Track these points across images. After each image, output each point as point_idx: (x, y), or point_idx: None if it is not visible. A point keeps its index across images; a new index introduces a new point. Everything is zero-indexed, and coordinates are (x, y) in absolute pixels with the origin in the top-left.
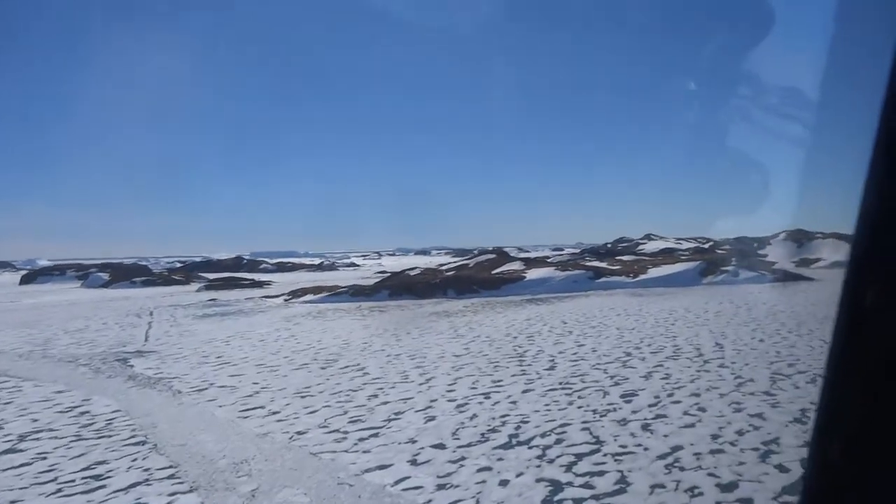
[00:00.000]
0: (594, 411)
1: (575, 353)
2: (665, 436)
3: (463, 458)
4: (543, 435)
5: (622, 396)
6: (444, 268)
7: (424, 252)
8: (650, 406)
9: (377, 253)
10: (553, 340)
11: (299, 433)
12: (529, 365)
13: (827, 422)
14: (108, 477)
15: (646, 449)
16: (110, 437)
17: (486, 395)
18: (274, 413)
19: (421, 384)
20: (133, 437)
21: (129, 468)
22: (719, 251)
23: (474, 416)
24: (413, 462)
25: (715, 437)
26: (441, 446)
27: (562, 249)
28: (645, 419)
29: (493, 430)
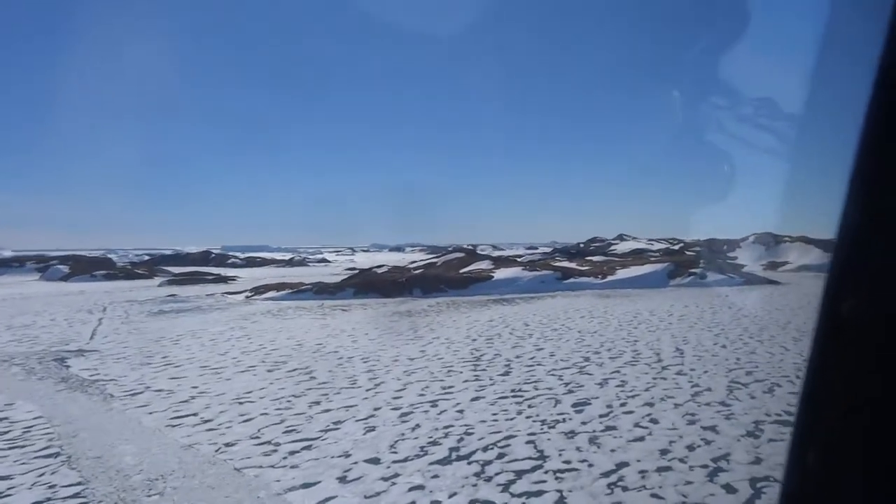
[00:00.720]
0: (543, 422)
1: (532, 358)
2: (612, 450)
3: (396, 476)
4: (485, 449)
5: (574, 405)
6: (412, 266)
7: (399, 249)
8: (601, 417)
9: (351, 249)
10: (512, 343)
11: (228, 445)
12: (484, 370)
13: (805, 429)
14: (7, 496)
15: (590, 465)
16: (23, 447)
17: (434, 403)
18: (206, 421)
19: (368, 390)
20: (48, 447)
21: (34, 485)
22: (689, 252)
23: (417, 426)
24: (342, 479)
25: (664, 452)
26: (376, 461)
27: (536, 248)
28: (594, 431)
29: (434, 443)
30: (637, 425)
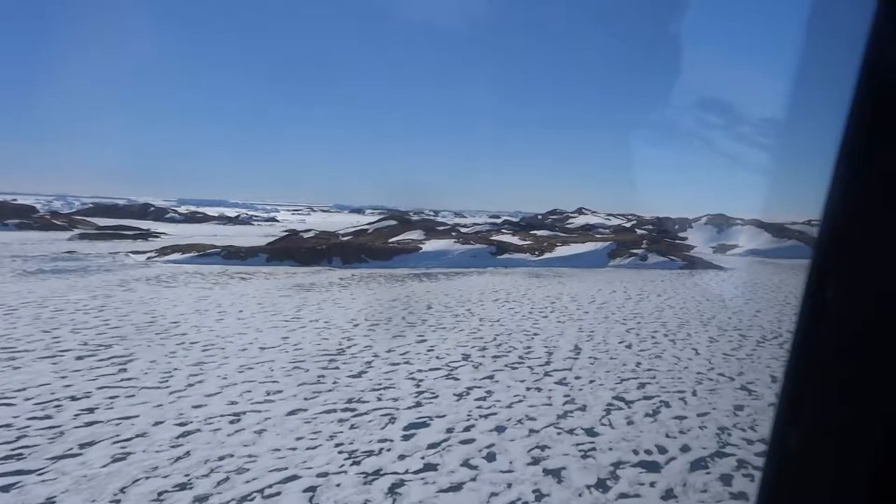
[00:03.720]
0: (351, 454)
1: (405, 354)
2: None
3: None
4: (245, 499)
5: (408, 428)
6: (340, 232)
7: (359, 211)
8: (430, 447)
9: (310, 208)
10: (396, 332)
11: None
12: (337, 369)
13: (787, 411)
14: None
15: None
16: None
17: (237, 417)
18: None
19: (174, 392)
20: None
21: None
22: (640, 231)
23: (186, 454)
24: None
25: None
26: None
27: (499, 217)
28: (406, 472)
29: (183, 486)
30: (466, 463)
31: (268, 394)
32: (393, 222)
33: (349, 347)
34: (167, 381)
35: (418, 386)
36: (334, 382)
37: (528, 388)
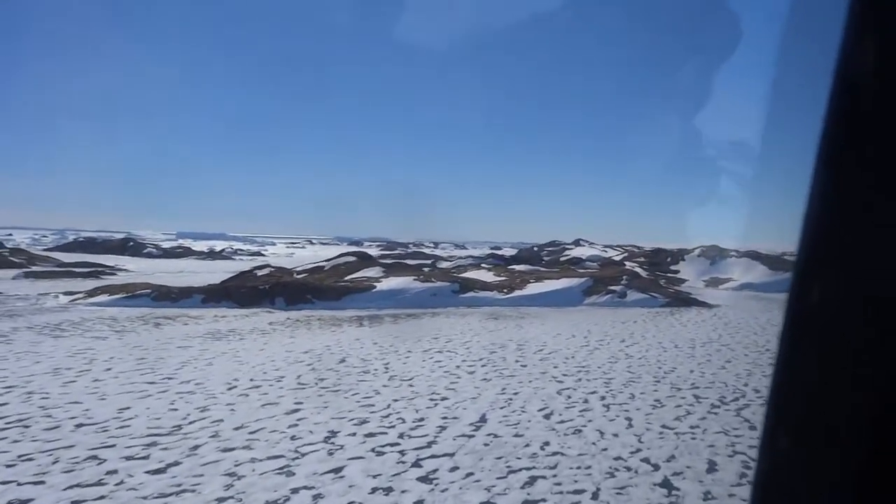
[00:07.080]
0: None
1: (256, 432)
2: None
3: None
4: None
5: None
6: (298, 269)
7: (357, 243)
8: None
9: (308, 240)
10: (272, 399)
11: None
12: (145, 458)
13: (776, 413)
14: None
15: None
16: None
17: None
18: None
19: None
20: None
21: None
22: (629, 263)
23: None
24: None
25: None
26: None
27: (499, 248)
28: None
29: None
30: None
31: (64, 494)
32: (352, 258)
33: (193, 422)
34: None
35: (231, 486)
36: (120, 483)
37: (375, 489)
